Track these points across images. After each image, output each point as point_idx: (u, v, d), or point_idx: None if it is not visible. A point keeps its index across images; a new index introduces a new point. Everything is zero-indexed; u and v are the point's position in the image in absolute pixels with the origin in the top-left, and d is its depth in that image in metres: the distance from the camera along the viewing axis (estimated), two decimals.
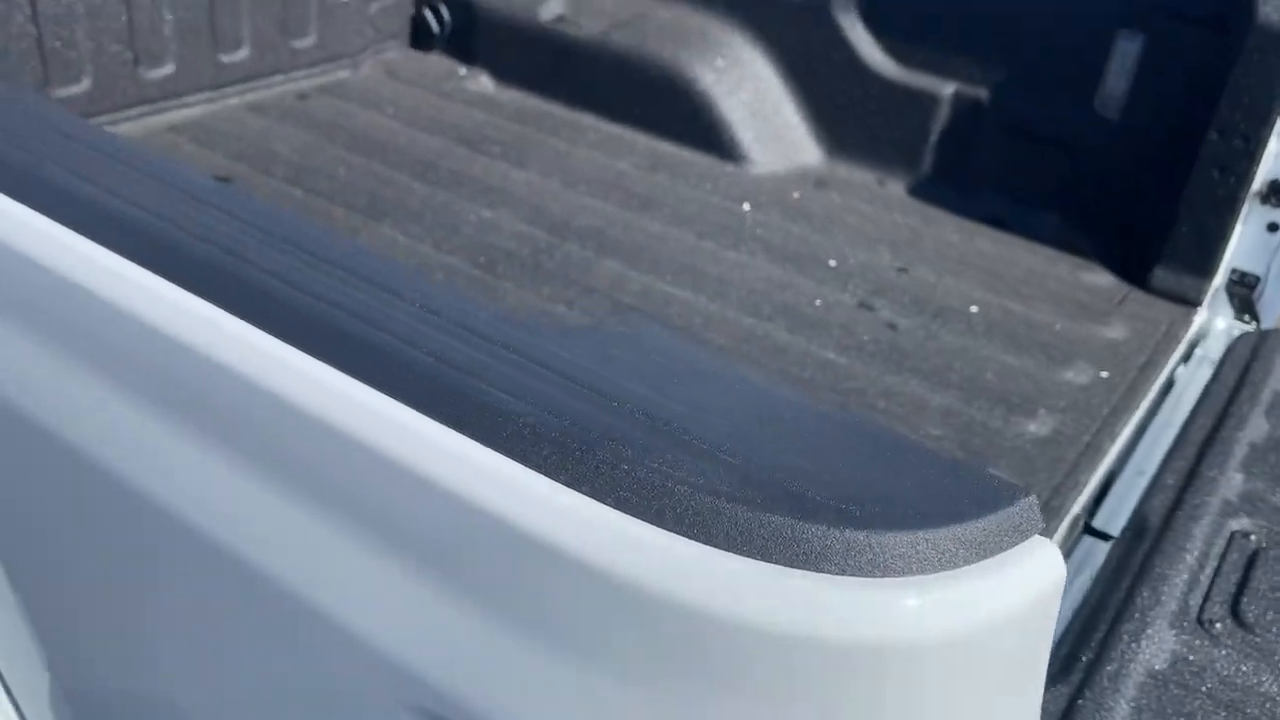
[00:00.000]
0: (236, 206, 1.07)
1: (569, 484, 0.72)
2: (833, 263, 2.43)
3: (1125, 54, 2.45)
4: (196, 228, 0.99)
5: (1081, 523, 1.74)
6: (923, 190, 2.80)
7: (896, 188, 2.83)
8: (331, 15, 3.11)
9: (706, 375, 0.82)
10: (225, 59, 2.87)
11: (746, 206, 2.65)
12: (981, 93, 2.69)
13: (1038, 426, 1.92)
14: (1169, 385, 2.21)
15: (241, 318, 0.90)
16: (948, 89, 2.73)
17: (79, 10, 2.50)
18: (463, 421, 0.77)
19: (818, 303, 2.25)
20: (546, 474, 0.73)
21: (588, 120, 3.07)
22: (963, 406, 1.96)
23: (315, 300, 0.89)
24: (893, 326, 2.20)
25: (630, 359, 0.83)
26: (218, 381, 0.91)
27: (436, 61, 3.32)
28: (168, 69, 2.74)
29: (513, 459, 0.74)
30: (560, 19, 3.13)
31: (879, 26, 2.79)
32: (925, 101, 2.75)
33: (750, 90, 2.93)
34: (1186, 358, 2.33)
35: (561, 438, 0.74)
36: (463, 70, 3.29)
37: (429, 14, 3.32)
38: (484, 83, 3.24)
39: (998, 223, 2.69)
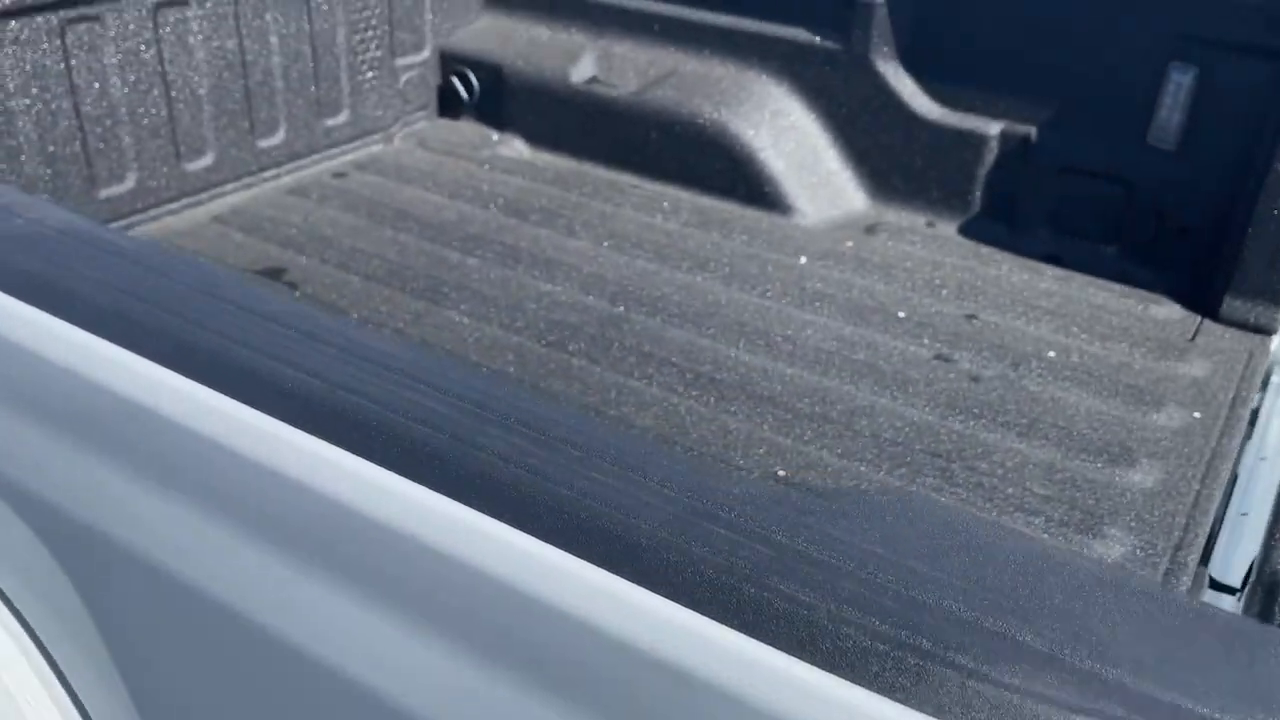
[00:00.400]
0: (348, 336, 1.01)
1: (917, 707, 0.66)
2: (901, 314, 2.40)
3: (1178, 86, 2.44)
4: (325, 372, 0.94)
5: (1205, 578, 1.70)
6: (974, 230, 2.78)
7: (947, 228, 2.81)
8: (362, 91, 3.09)
9: (986, 547, 0.77)
10: (262, 144, 2.85)
11: (803, 260, 2.63)
12: (1029, 130, 2.67)
13: (1142, 477, 1.88)
14: (1254, 416, 2.17)
15: (407, 476, 0.85)
16: (994, 128, 2.71)
17: (121, 110, 2.48)
18: (771, 634, 0.70)
19: (894, 358, 2.22)
20: (883, 694, 0.66)
21: (627, 180, 3.05)
22: (1062, 460, 1.92)
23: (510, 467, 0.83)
24: (975, 378, 2.16)
25: (912, 534, 0.78)
26: (387, 544, 0.86)
27: (467, 129, 3.31)
28: (208, 159, 2.72)
29: (840, 676, 0.67)
30: (593, 79, 3.11)
31: (921, 70, 2.78)
32: (972, 142, 2.73)
33: (791, 140, 2.91)
34: (1264, 385, 2.30)
35: (891, 650, 0.67)
36: (495, 136, 3.27)
37: (457, 82, 3.30)
38: (518, 147, 3.22)
39: (1054, 259, 2.67)
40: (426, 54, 3.27)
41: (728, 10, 3.00)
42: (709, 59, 3.05)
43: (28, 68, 2.28)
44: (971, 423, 2.02)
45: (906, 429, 1.99)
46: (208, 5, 2.59)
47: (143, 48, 2.48)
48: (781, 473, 1.86)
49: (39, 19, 2.27)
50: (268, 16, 2.75)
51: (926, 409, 2.05)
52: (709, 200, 2.93)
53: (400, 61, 3.19)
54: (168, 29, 2.52)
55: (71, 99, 2.37)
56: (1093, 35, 2.54)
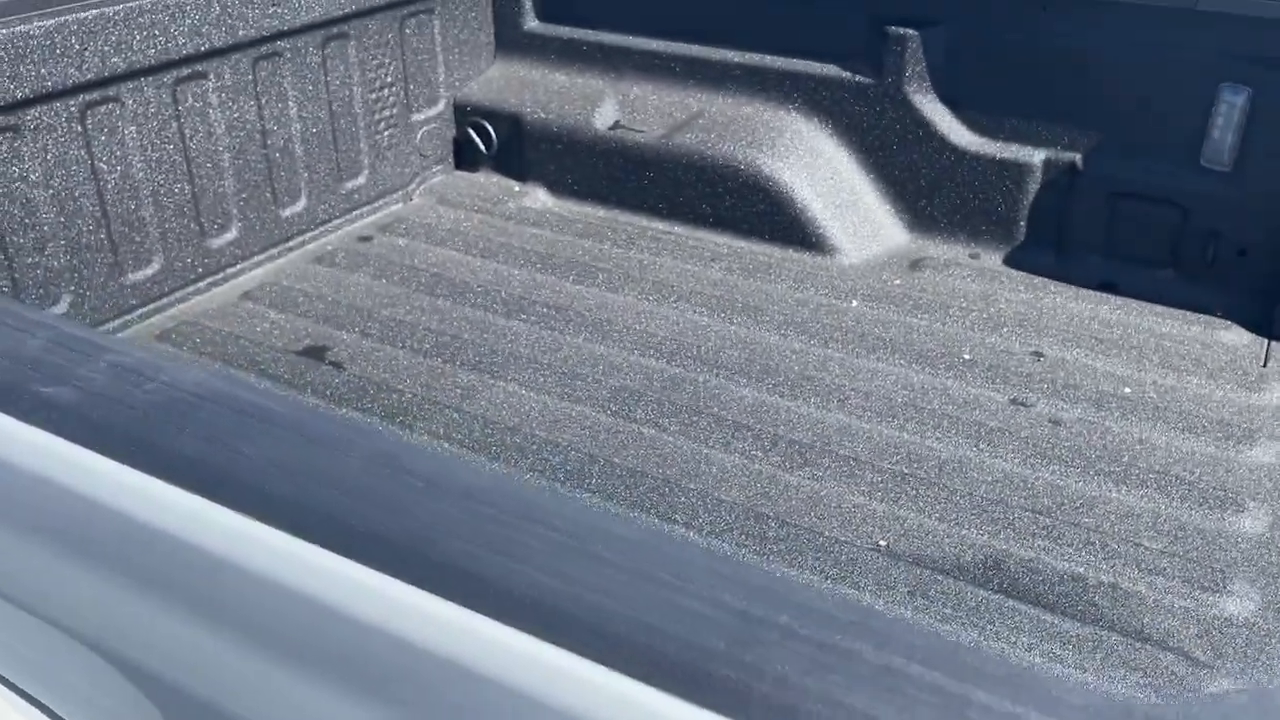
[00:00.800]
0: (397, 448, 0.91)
1: None
2: (966, 355, 2.33)
3: (1231, 106, 2.39)
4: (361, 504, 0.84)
5: None
6: (1021, 260, 2.72)
7: (992, 259, 2.75)
8: (380, 150, 3.01)
9: None
10: (285, 213, 2.76)
11: (855, 303, 2.56)
12: (1075, 157, 2.62)
13: (1252, 523, 1.82)
14: None
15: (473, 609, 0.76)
16: (1038, 156, 2.66)
17: (144, 191, 2.38)
18: None
19: (970, 405, 2.15)
20: None
21: (658, 226, 2.97)
22: (1166, 508, 1.86)
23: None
24: (1055, 422, 2.10)
25: None
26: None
27: (486, 181, 3.23)
28: (232, 234, 2.63)
29: None
30: (617, 125, 3.04)
31: (957, 101, 2.72)
32: (1014, 171, 2.68)
33: (827, 178, 2.85)
34: None
35: None
36: (516, 187, 3.19)
37: (474, 134, 3.22)
38: (541, 198, 3.14)
39: (1108, 286, 2.61)
40: (441, 107, 3.19)
41: (753, 49, 2.94)
42: (735, 99, 2.99)
43: (49, 156, 2.18)
44: (1064, 472, 1.95)
45: (1000, 484, 1.92)
46: (226, 76, 2.50)
47: (163, 125, 2.39)
48: (882, 542, 1.78)
49: (59, 104, 2.17)
50: (285, 83, 2.66)
51: (1015, 460, 1.98)
52: (746, 244, 2.86)
53: (416, 117, 3.11)
54: (187, 104, 2.43)
55: (94, 184, 2.27)
56: (1138, 60, 2.49)
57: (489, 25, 3.26)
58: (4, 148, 2.09)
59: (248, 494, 0.75)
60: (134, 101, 2.31)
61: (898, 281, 2.66)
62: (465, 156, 3.29)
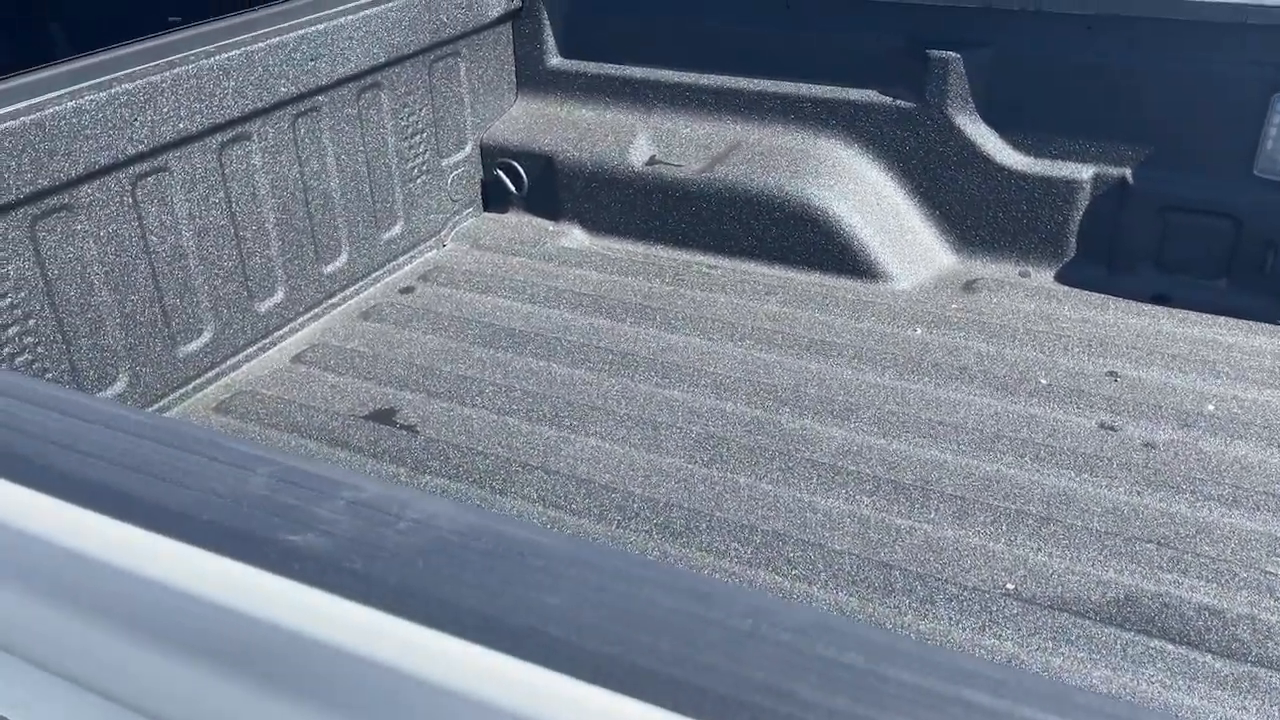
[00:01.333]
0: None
1: None
2: (1043, 379, 2.32)
3: None
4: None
5: None
6: (1072, 276, 2.72)
7: (1043, 276, 2.75)
8: (414, 197, 2.95)
9: None
10: (328, 269, 2.69)
11: (918, 331, 2.54)
12: (1125, 172, 2.62)
13: None
14: None
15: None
16: (1087, 173, 2.66)
17: (193, 260, 2.31)
18: None
19: (1060, 433, 2.13)
20: None
21: (703, 261, 2.94)
22: None
23: None
24: (1150, 445, 2.09)
25: None
26: None
27: (518, 222, 3.17)
28: (278, 296, 2.55)
29: None
30: (653, 160, 3.01)
31: (1002, 122, 2.72)
32: (1062, 188, 2.68)
33: (872, 204, 2.83)
34: None
35: None
36: (550, 227, 3.14)
37: (503, 175, 3.17)
38: (577, 237, 3.10)
39: (1162, 299, 2.62)
40: (469, 150, 3.13)
41: (788, 77, 2.92)
42: (772, 128, 2.96)
43: (103, 233, 2.10)
44: (1172, 498, 1.94)
45: (1111, 515, 1.90)
46: (269, 135, 2.43)
47: (210, 190, 2.31)
48: (1010, 586, 1.75)
49: (110, 179, 2.09)
50: (324, 137, 2.59)
51: (1120, 488, 1.97)
52: (796, 274, 2.83)
53: (446, 161, 3.05)
54: (232, 166, 2.36)
55: (146, 257, 2.20)
56: (1187, 74, 2.50)
57: (510, 64, 3.21)
58: (59, 228, 2.02)
59: (580, 658, 0.70)
60: (182, 169, 2.24)
61: (955, 305, 2.65)
62: (494, 198, 3.24)
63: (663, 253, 3.00)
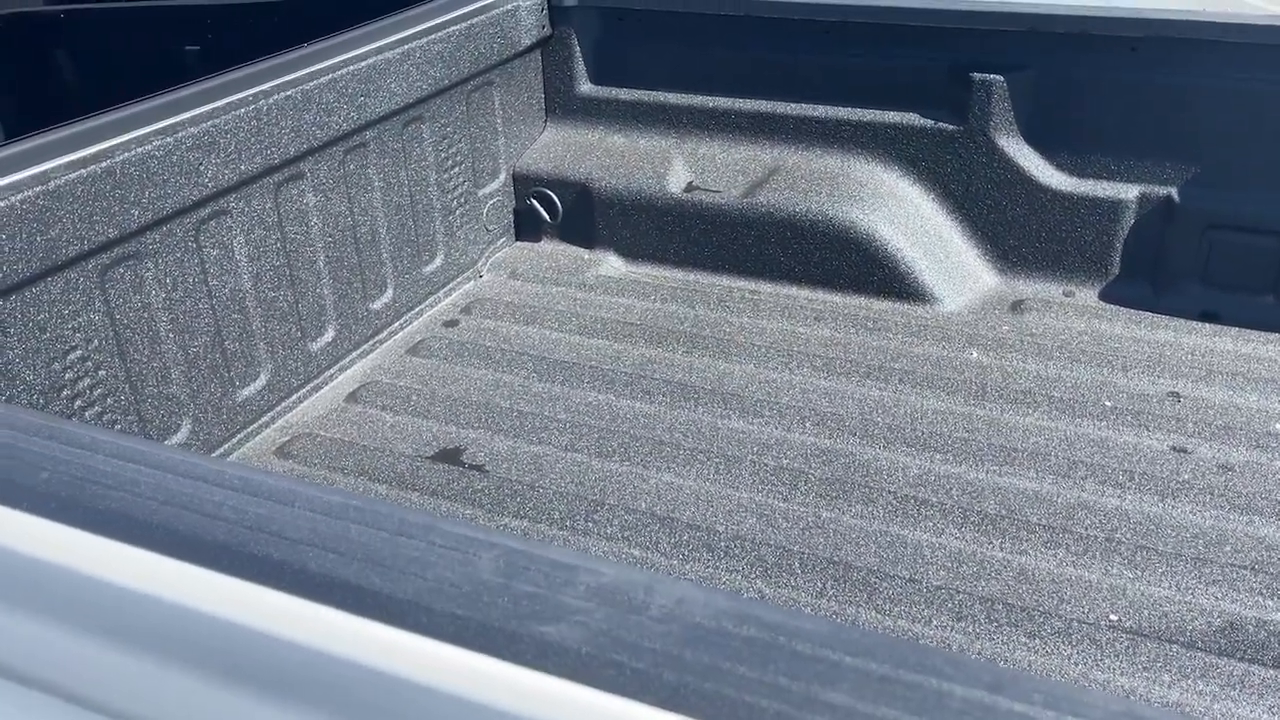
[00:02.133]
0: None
1: None
2: (1108, 402, 2.33)
3: None
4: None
5: None
6: (1117, 294, 2.74)
7: (1087, 296, 2.77)
8: (453, 229, 2.92)
9: None
10: (374, 306, 2.65)
11: (974, 354, 2.55)
12: (1170, 191, 2.64)
13: None
14: None
15: None
16: (1132, 192, 2.68)
17: (250, 302, 2.26)
18: None
19: (1135, 457, 2.14)
20: None
21: (745, 287, 2.93)
22: None
23: None
24: (1226, 468, 2.10)
25: None
26: None
27: (552, 251, 3.15)
28: (329, 334, 2.51)
29: None
30: (691, 186, 3.00)
31: (1045, 143, 2.73)
32: (1107, 208, 2.70)
33: (914, 225, 2.83)
34: None
35: None
36: (585, 255, 3.12)
37: (536, 204, 3.14)
38: (614, 265, 3.08)
39: (1211, 316, 2.64)
40: (503, 179, 3.11)
41: (829, 101, 2.92)
42: (812, 152, 2.96)
43: (168, 279, 2.05)
44: (1259, 522, 1.95)
45: (1200, 540, 1.91)
46: (321, 173, 2.39)
47: (267, 232, 2.27)
48: (1113, 617, 1.76)
49: (176, 224, 2.05)
50: (370, 171, 2.56)
51: (1205, 514, 1.98)
52: (842, 298, 2.83)
53: (481, 191, 3.02)
54: (287, 206, 2.32)
55: (209, 301, 2.15)
56: (1234, 94, 2.53)
57: (540, 92, 3.19)
58: (127, 277, 1.97)
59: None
60: (241, 211, 2.20)
61: (1005, 327, 2.66)
62: (526, 227, 3.21)
63: (703, 279, 2.99)
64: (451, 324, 2.80)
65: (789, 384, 2.45)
